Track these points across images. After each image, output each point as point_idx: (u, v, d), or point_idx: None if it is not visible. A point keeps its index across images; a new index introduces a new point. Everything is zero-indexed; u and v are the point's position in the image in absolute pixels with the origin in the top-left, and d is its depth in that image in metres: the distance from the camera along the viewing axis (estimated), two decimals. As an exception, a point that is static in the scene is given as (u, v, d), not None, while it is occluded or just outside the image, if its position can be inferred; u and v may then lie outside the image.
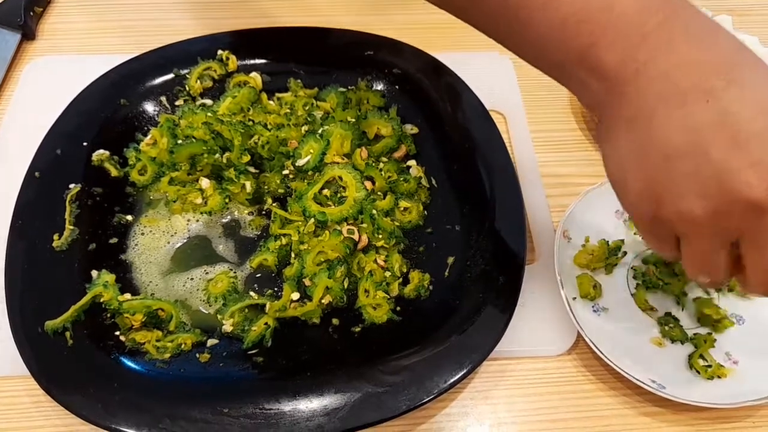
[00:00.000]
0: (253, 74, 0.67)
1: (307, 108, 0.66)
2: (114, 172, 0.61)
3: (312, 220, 0.57)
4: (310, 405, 0.48)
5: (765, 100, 0.34)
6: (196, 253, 0.58)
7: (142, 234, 0.59)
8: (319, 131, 0.62)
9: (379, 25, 0.74)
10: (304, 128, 0.63)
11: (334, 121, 0.63)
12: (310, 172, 0.60)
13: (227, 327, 0.53)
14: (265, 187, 0.61)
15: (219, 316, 0.54)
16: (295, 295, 0.54)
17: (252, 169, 0.61)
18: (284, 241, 0.57)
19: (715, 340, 0.55)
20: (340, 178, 0.59)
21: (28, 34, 0.76)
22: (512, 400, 0.54)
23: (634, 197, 0.38)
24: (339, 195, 0.59)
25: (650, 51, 0.35)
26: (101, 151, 0.62)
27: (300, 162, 0.60)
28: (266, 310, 0.53)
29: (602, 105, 0.39)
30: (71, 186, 0.59)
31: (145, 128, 0.65)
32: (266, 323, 0.53)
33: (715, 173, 0.34)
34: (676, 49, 0.35)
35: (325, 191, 0.59)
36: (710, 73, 0.34)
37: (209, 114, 0.62)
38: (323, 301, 0.54)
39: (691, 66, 0.35)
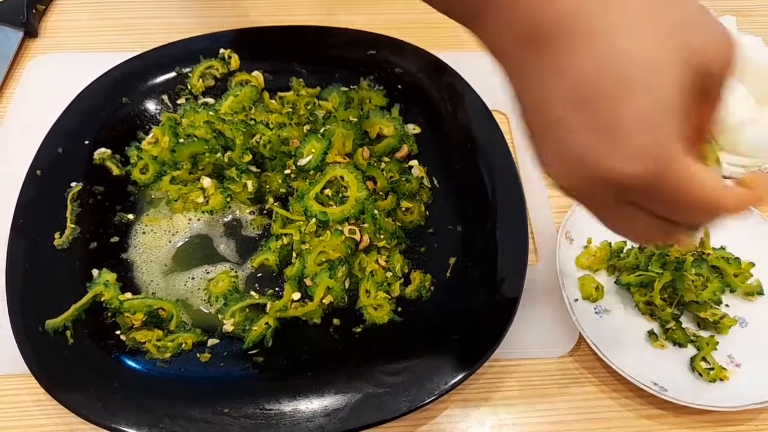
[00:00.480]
0: (255, 73, 0.67)
1: (309, 107, 0.66)
2: (115, 171, 0.61)
3: (313, 220, 0.57)
4: (310, 405, 0.48)
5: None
6: (197, 252, 0.58)
7: (143, 233, 0.59)
8: (321, 130, 0.61)
9: (381, 24, 0.73)
10: (306, 127, 0.63)
11: (336, 121, 0.63)
12: (311, 172, 0.60)
13: (228, 326, 0.53)
14: (267, 186, 0.61)
15: (220, 316, 0.54)
16: (296, 295, 0.54)
17: (254, 168, 0.61)
18: (285, 240, 0.57)
19: (718, 342, 0.55)
20: (342, 177, 0.59)
21: (31, 32, 0.76)
22: (513, 402, 0.53)
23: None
24: (341, 195, 0.59)
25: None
26: (102, 149, 0.61)
27: (302, 161, 0.60)
28: (267, 310, 0.53)
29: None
30: (72, 184, 0.59)
31: (147, 127, 0.65)
32: (267, 323, 0.53)
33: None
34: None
35: (327, 191, 0.59)
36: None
37: (211, 113, 0.62)
38: (324, 301, 0.54)
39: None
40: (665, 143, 0.31)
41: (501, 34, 0.36)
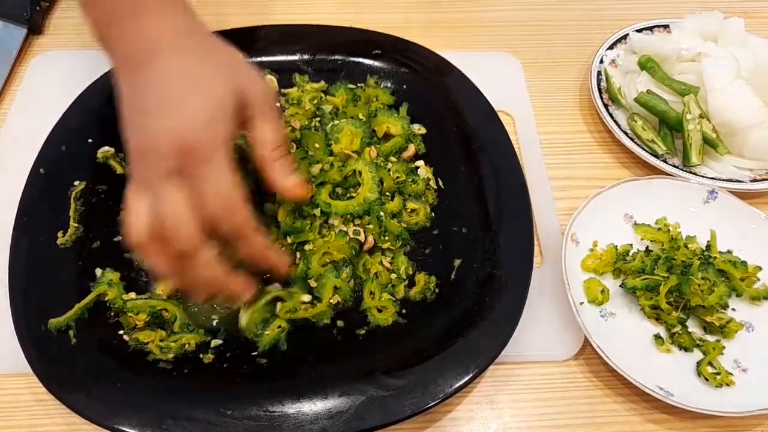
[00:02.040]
0: (269, 77, 0.67)
1: (315, 102, 0.65)
2: (119, 170, 0.61)
3: (319, 221, 0.56)
4: (314, 408, 0.48)
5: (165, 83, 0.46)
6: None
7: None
8: (330, 125, 0.61)
9: (386, 23, 0.73)
10: (315, 121, 0.63)
11: (345, 117, 0.62)
12: (337, 164, 0.60)
13: (243, 321, 0.52)
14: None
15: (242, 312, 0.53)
16: (306, 297, 0.54)
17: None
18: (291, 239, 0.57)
19: (724, 347, 0.55)
20: (360, 173, 0.58)
21: (35, 29, 0.76)
22: (518, 405, 0.53)
23: None
24: (348, 195, 0.58)
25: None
26: (106, 147, 0.61)
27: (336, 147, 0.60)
28: (277, 311, 0.53)
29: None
30: (76, 183, 0.59)
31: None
32: (280, 326, 0.52)
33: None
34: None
35: (338, 189, 0.59)
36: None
37: None
38: (332, 301, 0.53)
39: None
40: (213, 130, 0.45)
41: (115, 57, 0.49)
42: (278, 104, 0.51)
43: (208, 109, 0.45)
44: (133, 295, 0.54)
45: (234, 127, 0.47)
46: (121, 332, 0.52)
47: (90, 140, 0.61)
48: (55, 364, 0.49)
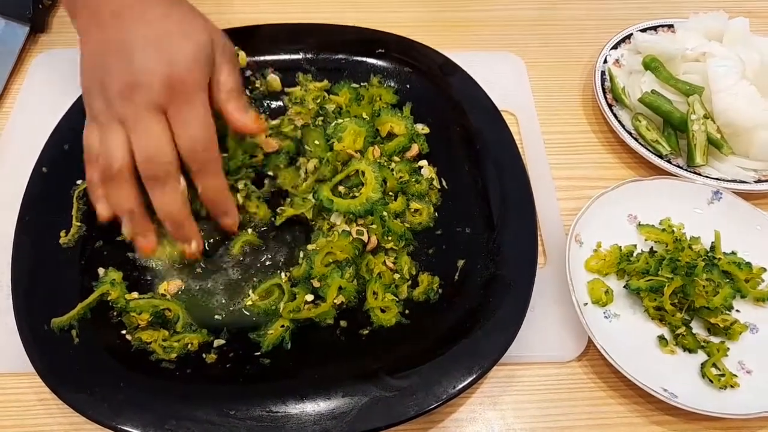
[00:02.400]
0: (271, 76, 0.67)
1: (318, 101, 0.65)
2: None
3: (326, 222, 0.57)
4: (317, 408, 0.48)
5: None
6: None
7: (150, 231, 0.58)
8: (333, 123, 0.61)
9: (390, 22, 0.73)
10: (319, 120, 0.63)
11: (349, 116, 0.62)
12: (338, 163, 0.60)
13: (252, 297, 0.54)
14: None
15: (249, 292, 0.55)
16: (310, 297, 0.53)
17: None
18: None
19: (728, 348, 0.55)
20: (363, 173, 0.58)
21: (37, 27, 0.76)
22: (521, 406, 0.53)
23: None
24: (351, 194, 0.58)
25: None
26: None
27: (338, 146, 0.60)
28: (281, 311, 0.53)
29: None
30: (79, 182, 0.58)
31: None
32: (283, 325, 0.52)
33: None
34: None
35: (341, 187, 0.59)
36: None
37: None
38: (336, 301, 0.53)
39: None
40: (199, 71, 0.50)
41: (81, 14, 0.54)
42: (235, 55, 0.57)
43: (195, 52, 0.50)
44: (135, 294, 0.53)
45: (210, 72, 0.52)
46: (123, 332, 0.52)
47: (93, 139, 0.61)
48: (57, 363, 0.49)
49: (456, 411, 0.53)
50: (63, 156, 0.60)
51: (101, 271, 0.54)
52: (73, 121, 0.62)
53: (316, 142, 0.61)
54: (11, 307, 0.51)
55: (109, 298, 0.53)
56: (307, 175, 0.60)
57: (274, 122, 0.63)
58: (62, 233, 0.55)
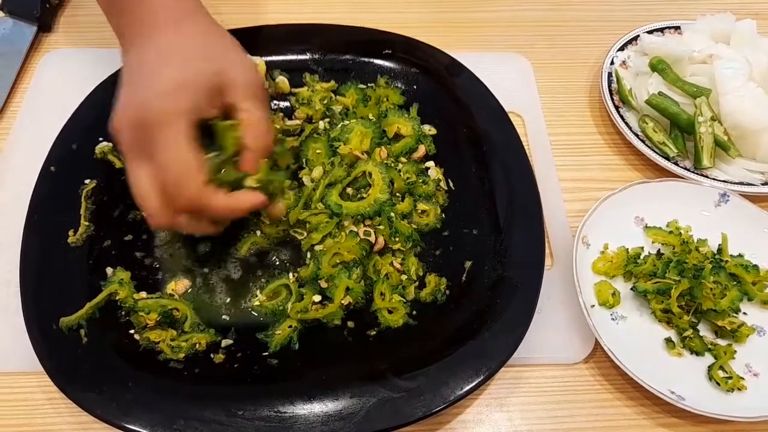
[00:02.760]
0: (280, 78, 0.67)
1: (325, 102, 0.65)
2: (118, 164, 0.60)
3: (334, 220, 0.57)
4: (324, 409, 0.48)
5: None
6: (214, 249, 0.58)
7: (157, 230, 0.58)
8: (339, 125, 0.61)
9: (397, 23, 0.73)
10: (325, 122, 0.63)
11: (356, 117, 0.62)
12: (344, 165, 0.60)
13: (259, 298, 0.54)
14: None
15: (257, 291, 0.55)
16: (317, 297, 0.54)
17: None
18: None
19: (735, 351, 0.55)
20: (370, 174, 0.58)
21: (44, 26, 0.76)
22: (528, 408, 0.53)
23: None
24: (359, 196, 0.58)
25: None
26: (104, 143, 0.61)
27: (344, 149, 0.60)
28: (288, 311, 0.53)
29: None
30: (87, 181, 0.59)
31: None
32: (290, 326, 0.52)
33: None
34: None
35: (349, 189, 0.59)
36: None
37: None
38: (343, 302, 0.53)
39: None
40: (176, 100, 0.46)
41: (121, 32, 0.53)
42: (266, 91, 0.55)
43: (177, 79, 0.47)
44: (144, 294, 0.54)
45: (205, 103, 0.48)
46: (131, 331, 0.52)
47: (101, 139, 0.61)
48: (66, 362, 0.49)
49: (463, 412, 0.53)
50: (71, 155, 0.60)
51: (109, 270, 0.54)
52: (81, 120, 0.62)
53: (318, 151, 0.61)
54: (20, 306, 0.51)
55: (117, 298, 0.53)
56: (317, 184, 0.59)
57: (291, 123, 0.64)
58: (70, 233, 0.55)
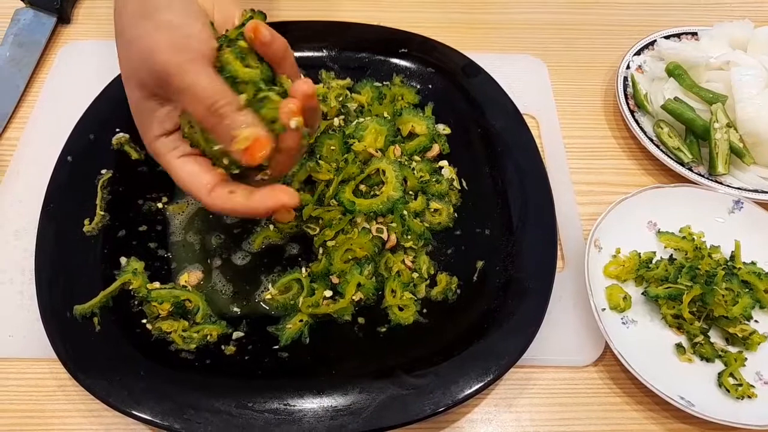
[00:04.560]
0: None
1: (340, 99, 0.65)
2: (134, 155, 0.61)
3: (347, 217, 0.57)
4: (333, 403, 0.48)
5: None
6: (225, 241, 0.58)
7: (171, 222, 0.59)
8: (354, 122, 0.62)
9: (413, 22, 0.73)
10: (340, 119, 0.63)
11: (370, 114, 0.62)
12: (357, 163, 0.60)
13: (270, 293, 0.54)
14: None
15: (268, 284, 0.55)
16: (328, 293, 0.54)
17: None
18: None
19: (746, 359, 0.54)
20: (383, 172, 0.58)
21: (64, 18, 0.76)
22: (536, 410, 0.53)
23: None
24: (372, 193, 0.58)
25: None
26: (120, 134, 0.62)
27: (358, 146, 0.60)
28: (299, 306, 0.53)
29: None
30: (103, 171, 0.59)
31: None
32: (301, 320, 0.52)
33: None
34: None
35: (362, 186, 0.59)
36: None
37: None
38: (354, 298, 0.53)
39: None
40: (186, 41, 0.42)
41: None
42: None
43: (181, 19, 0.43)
44: (157, 284, 0.54)
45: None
46: (144, 321, 0.52)
47: (117, 130, 0.62)
48: (78, 350, 0.49)
49: (471, 411, 0.53)
50: (88, 145, 0.61)
51: (123, 260, 0.55)
52: (99, 111, 0.63)
53: (332, 147, 0.61)
54: (34, 293, 0.51)
55: (130, 287, 0.53)
56: (330, 180, 0.59)
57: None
58: (86, 222, 0.56)
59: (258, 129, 0.42)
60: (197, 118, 0.43)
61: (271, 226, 0.58)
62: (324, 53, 0.69)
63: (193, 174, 0.45)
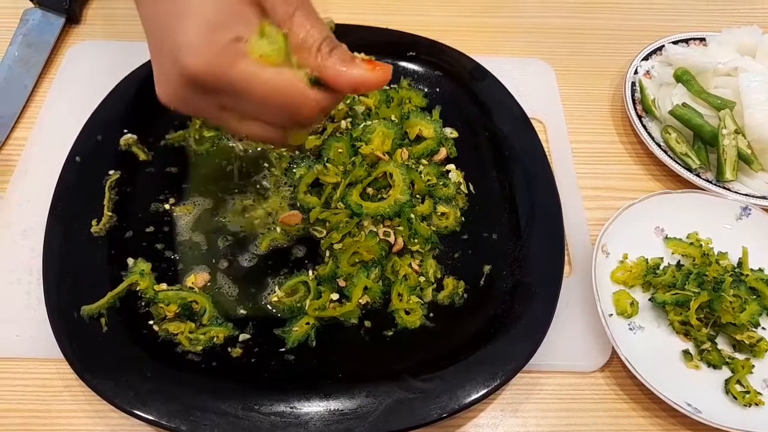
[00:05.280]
0: None
1: (347, 102, 0.65)
2: (142, 156, 0.61)
3: (354, 220, 0.57)
4: (340, 407, 0.48)
5: None
6: (233, 244, 0.58)
7: (179, 223, 0.59)
8: (361, 125, 0.62)
9: (421, 25, 0.73)
10: (347, 122, 0.63)
11: (378, 117, 0.62)
12: (365, 166, 0.60)
13: (277, 295, 0.54)
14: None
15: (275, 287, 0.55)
16: (335, 296, 0.54)
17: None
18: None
19: (753, 366, 0.54)
20: (391, 175, 0.58)
21: (73, 18, 0.77)
22: (543, 415, 0.53)
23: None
24: (380, 196, 0.58)
25: None
26: (128, 135, 0.62)
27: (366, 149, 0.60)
28: (306, 308, 0.53)
29: None
30: (111, 172, 0.59)
31: (188, 118, 0.64)
32: (308, 323, 0.52)
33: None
34: None
35: (370, 189, 0.59)
36: None
37: None
38: (361, 301, 0.53)
39: None
40: (222, 40, 0.36)
41: None
42: None
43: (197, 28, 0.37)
44: (164, 285, 0.54)
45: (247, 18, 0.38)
46: (151, 322, 0.52)
47: (125, 131, 0.62)
48: (86, 350, 0.49)
49: (477, 416, 0.52)
50: (96, 146, 0.61)
51: (130, 261, 0.55)
52: (107, 112, 0.63)
53: (340, 150, 0.61)
54: (41, 293, 0.52)
55: (138, 288, 0.53)
56: (337, 183, 0.59)
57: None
58: (93, 222, 0.56)
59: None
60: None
61: (278, 229, 0.58)
62: (332, 56, 0.69)
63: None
